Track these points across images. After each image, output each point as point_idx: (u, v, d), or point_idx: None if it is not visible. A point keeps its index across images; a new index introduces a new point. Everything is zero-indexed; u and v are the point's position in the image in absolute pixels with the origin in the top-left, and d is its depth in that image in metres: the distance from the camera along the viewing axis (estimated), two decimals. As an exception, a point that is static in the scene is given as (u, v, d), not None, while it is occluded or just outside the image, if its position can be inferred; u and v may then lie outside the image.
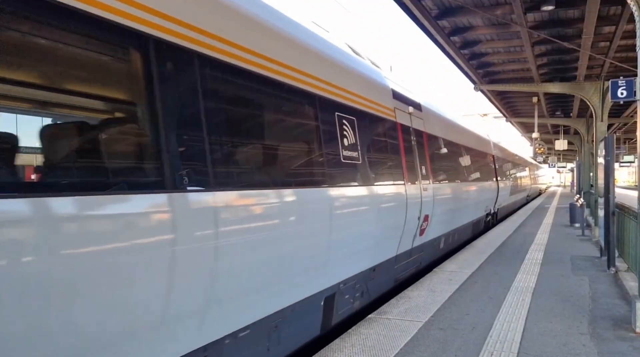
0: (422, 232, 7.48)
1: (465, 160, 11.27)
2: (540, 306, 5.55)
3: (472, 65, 14.62)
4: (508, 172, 19.65)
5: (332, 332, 5.27)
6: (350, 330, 4.74)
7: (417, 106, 7.91)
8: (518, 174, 23.71)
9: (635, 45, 4.98)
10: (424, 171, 7.57)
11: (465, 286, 6.59)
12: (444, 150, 9.39)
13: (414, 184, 7.00)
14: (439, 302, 5.73)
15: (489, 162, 14.90)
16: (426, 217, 7.46)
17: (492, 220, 15.58)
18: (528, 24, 10.76)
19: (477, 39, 12.62)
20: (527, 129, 31.54)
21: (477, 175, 12.32)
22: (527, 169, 28.84)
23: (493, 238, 11.64)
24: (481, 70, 15.50)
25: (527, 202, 29.61)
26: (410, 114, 7.32)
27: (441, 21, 11.05)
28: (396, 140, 6.56)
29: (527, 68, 14.68)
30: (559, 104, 21.90)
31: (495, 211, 15.97)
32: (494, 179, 15.23)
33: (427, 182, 7.67)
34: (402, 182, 6.49)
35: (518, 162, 24.37)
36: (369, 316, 5.22)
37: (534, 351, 4.18)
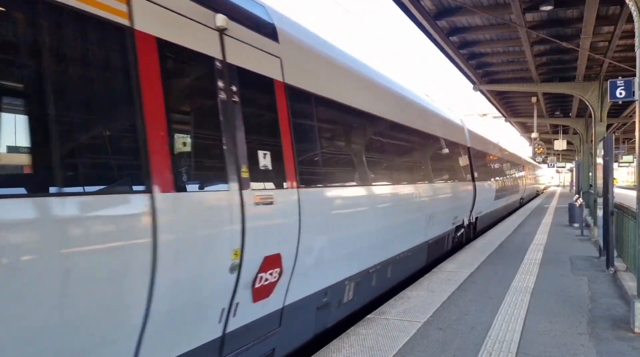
0: (266, 290, 3.68)
1: (409, 150, 7.40)
2: (539, 306, 5.55)
3: (471, 65, 14.63)
4: (493, 171, 15.72)
5: (331, 332, 5.26)
6: (348, 330, 4.73)
7: (257, 23, 3.93)
8: (508, 173, 19.87)
9: (634, 45, 4.98)
10: (265, 162, 3.72)
11: (465, 285, 6.58)
12: (353, 127, 5.51)
13: (211, 190, 3.20)
14: (437, 302, 5.72)
15: (462, 157, 11.02)
16: (275, 261, 3.71)
17: (467, 233, 11.63)
18: (527, 23, 10.77)
19: (476, 39, 12.62)
20: (526, 129, 31.58)
21: (436, 173, 8.57)
22: (520, 167, 25.07)
23: (492, 238, 11.64)
24: (480, 70, 15.51)
25: (521, 205, 25.90)
26: (221, 32, 3.42)
27: (440, 21, 11.05)
28: (126, 80, 2.69)
29: (526, 68, 14.70)
30: (558, 104, 21.92)
31: (472, 220, 12.00)
32: (469, 178, 11.44)
33: (281, 184, 3.88)
34: (136, 188, 2.64)
35: (508, 159, 20.43)
36: (368, 316, 5.21)
37: (533, 351, 4.17)
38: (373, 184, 5.77)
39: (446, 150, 9.68)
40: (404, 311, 5.36)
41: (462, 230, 11.02)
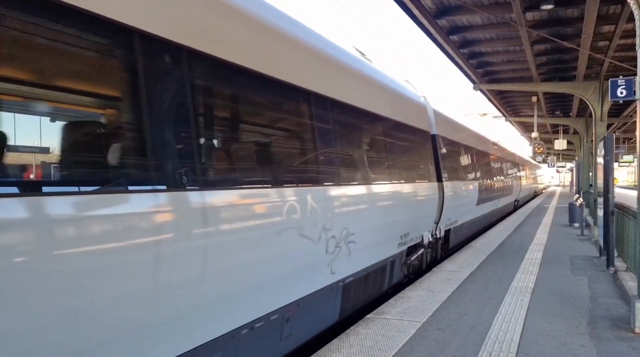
0: None
1: (299, 131, 4.53)
2: (539, 306, 5.53)
3: (472, 64, 14.62)
4: (475, 168, 12.34)
5: (331, 331, 5.25)
6: (348, 330, 4.72)
7: None
8: (498, 172, 16.69)
9: (634, 45, 4.96)
10: None
11: (464, 285, 6.56)
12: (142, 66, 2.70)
13: None
14: (437, 302, 5.71)
15: (421, 148, 7.96)
16: None
17: (433, 252, 8.83)
18: (527, 23, 10.75)
19: (476, 38, 12.61)
20: (526, 128, 31.58)
21: (361, 169, 5.56)
22: (514, 165, 22.21)
23: (492, 238, 11.63)
24: (480, 69, 15.50)
25: (516, 208, 23.12)
26: None
27: (440, 20, 11.04)
28: None
29: (527, 67, 14.68)
30: (559, 104, 21.92)
31: (440, 235, 8.89)
32: (433, 178, 8.32)
33: None
34: None
35: (499, 155, 17.17)
36: (367, 316, 5.19)
37: (533, 351, 4.16)
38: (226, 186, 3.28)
39: (388, 136, 6.47)
40: (404, 310, 5.34)
41: (422, 250, 7.98)
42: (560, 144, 24.71)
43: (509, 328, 4.74)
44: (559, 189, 55.89)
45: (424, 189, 7.76)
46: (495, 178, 15.68)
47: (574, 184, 26.49)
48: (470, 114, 29.83)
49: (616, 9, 10.09)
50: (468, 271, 7.56)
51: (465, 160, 11.34)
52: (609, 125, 23.25)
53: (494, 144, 16.78)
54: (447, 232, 9.52)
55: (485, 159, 14.34)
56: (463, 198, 10.54)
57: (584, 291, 6.27)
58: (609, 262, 7.45)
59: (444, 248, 9.57)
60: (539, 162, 37.25)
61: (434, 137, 8.76)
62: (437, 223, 8.58)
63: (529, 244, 10.46)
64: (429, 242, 8.26)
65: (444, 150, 9.24)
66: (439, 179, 8.63)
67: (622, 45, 12.10)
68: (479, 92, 17.27)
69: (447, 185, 8.96)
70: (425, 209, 7.84)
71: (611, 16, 10.49)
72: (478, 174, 12.63)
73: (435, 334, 4.57)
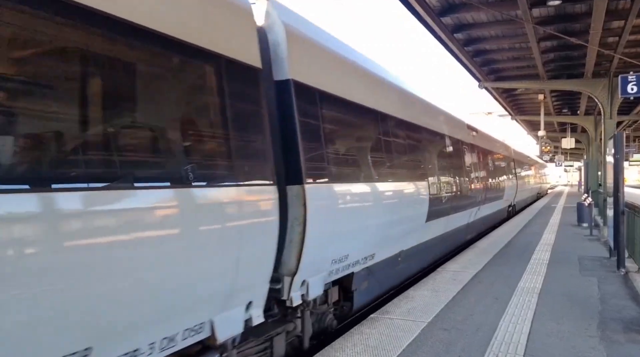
0: None
1: None
2: (547, 307, 5.41)
3: (476, 62, 14.48)
4: (423, 161, 7.36)
5: (334, 331, 5.18)
6: (352, 330, 4.66)
7: None
8: (478, 170, 11.71)
9: (645, 38, 4.82)
10: None
11: (470, 286, 6.45)
12: None
13: None
14: (442, 302, 5.60)
15: (217, 103, 3.20)
16: None
17: (299, 339, 4.61)
18: (534, 19, 10.60)
19: (481, 36, 12.47)
20: (533, 127, 31.30)
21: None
22: (508, 161, 17.12)
23: (498, 238, 11.47)
24: (486, 67, 15.34)
25: (510, 216, 18.21)
26: None
27: (444, 18, 10.92)
28: None
29: (533, 65, 14.51)
30: (566, 102, 21.68)
31: (311, 297, 4.31)
32: (270, 176, 3.60)
33: None
34: None
35: (477, 145, 11.77)
36: (371, 315, 5.11)
37: (541, 353, 4.04)
38: None
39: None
40: (408, 310, 5.25)
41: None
42: (568, 142, 24.47)
43: (515, 329, 4.63)
44: (566, 189, 55.44)
45: (220, 205, 3.17)
46: (471, 177, 10.78)
47: (582, 183, 26.17)
48: (475, 113, 29.64)
49: (625, 4, 9.92)
50: (473, 271, 7.44)
51: (398, 145, 6.39)
52: (618, 123, 22.96)
53: (472, 129, 11.46)
54: (347, 281, 5.21)
55: (451, 149, 9.25)
56: (384, 214, 5.64)
57: (593, 292, 6.13)
58: (620, 263, 7.28)
59: (339, 312, 5.39)
60: (546, 161, 36.82)
61: (283, 87, 4.07)
62: (292, 275, 4.07)
63: (536, 244, 10.31)
64: (250, 328, 3.63)
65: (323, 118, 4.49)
66: (296, 180, 4.02)
67: (632, 41, 11.91)
68: (484, 90, 17.11)
69: (323, 190, 4.41)
70: (226, 256, 3.24)
71: (620, 11, 10.31)
72: (431, 171, 7.68)
73: (440, 335, 4.47)
